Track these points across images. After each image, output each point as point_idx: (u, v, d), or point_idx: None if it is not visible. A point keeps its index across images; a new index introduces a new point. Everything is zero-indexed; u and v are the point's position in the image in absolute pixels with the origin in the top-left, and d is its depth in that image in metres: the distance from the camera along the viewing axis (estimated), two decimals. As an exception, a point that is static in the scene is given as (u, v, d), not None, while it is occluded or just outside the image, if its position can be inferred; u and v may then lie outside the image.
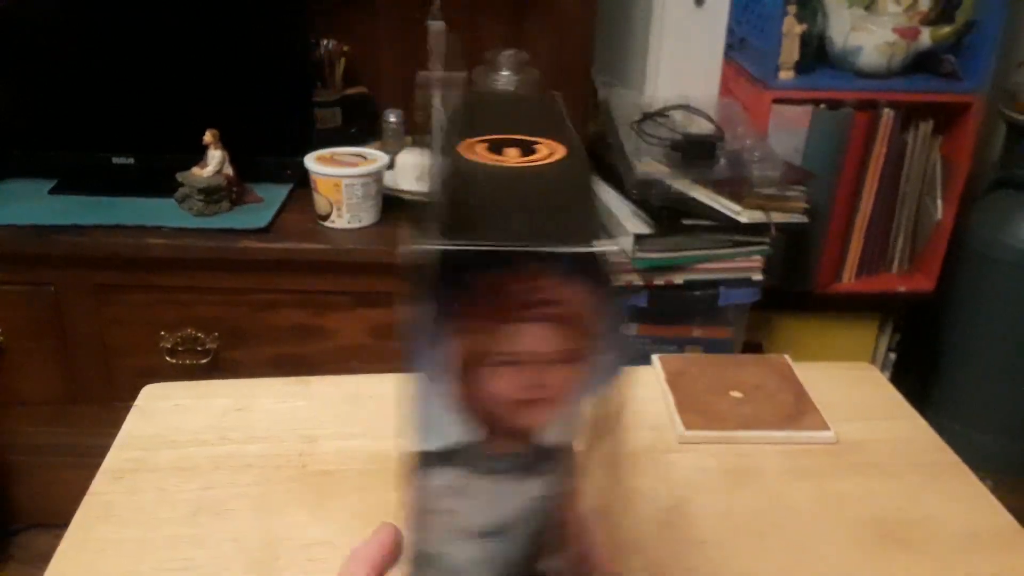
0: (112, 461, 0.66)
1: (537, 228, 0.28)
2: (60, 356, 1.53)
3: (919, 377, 1.95)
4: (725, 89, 1.77)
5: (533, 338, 0.28)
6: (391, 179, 1.52)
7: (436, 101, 1.41)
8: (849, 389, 0.79)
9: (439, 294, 0.27)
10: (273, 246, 1.44)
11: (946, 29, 1.66)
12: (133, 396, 0.74)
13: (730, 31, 1.73)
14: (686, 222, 1.48)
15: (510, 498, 0.31)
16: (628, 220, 1.49)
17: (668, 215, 1.47)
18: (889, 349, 1.92)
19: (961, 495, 0.66)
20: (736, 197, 1.48)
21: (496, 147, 0.34)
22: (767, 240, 1.51)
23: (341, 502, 0.63)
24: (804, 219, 1.54)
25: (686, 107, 1.61)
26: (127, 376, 1.52)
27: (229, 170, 1.50)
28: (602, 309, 0.28)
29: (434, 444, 0.30)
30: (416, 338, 0.28)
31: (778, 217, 1.50)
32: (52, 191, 1.56)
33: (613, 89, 1.80)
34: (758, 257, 1.52)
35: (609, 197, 1.57)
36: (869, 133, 1.69)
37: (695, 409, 0.73)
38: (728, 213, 1.47)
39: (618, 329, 0.28)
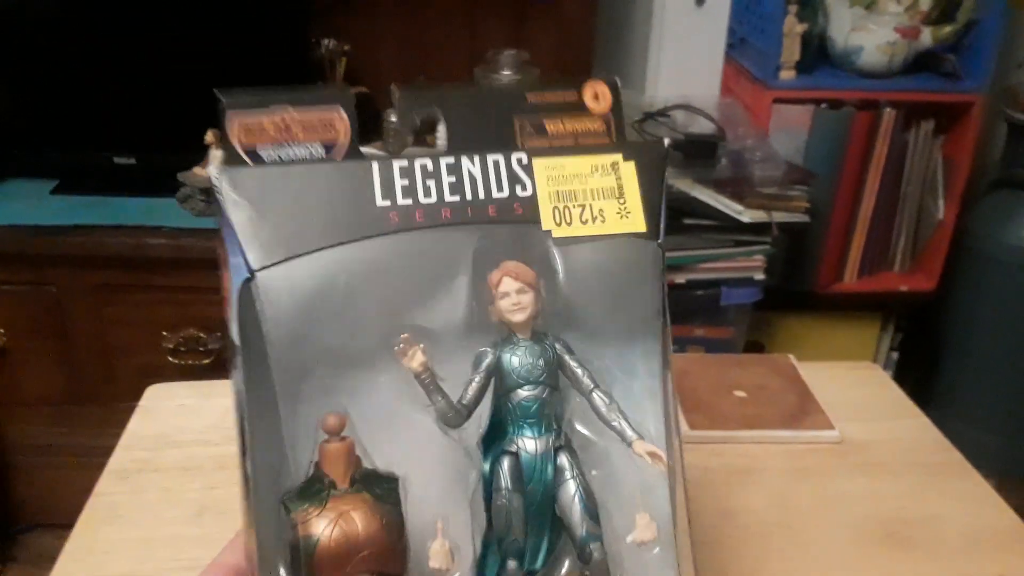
0: (117, 461, 0.66)
1: None
2: (62, 356, 1.53)
3: (921, 377, 1.95)
4: (726, 89, 1.77)
5: None
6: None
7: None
8: (853, 389, 0.79)
9: None
10: (275, 246, 1.43)
11: (947, 29, 1.66)
12: (135, 396, 0.74)
13: (731, 31, 1.73)
14: (688, 222, 1.48)
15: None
16: (630, 220, 1.49)
17: (670, 215, 1.47)
18: (891, 348, 1.92)
19: (966, 495, 0.66)
20: (737, 197, 1.48)
21: None
22: (768, 240, 1.51)
23: (346, 502, 0.63)
24: (805, 219, 1.54)
25: (687, 107, 1.61)
26: (129, 376, 1.52)
27: (230, 170, 1.50)
28: None
29: None
30: None
31: (779, 217, 1.50)
32: (53, 191, 1.56)
33: (614, 89, 1.79)
34: (760, 257, 1.52)
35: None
36: (870, 133, 1.68)
37: (699, 409, 0.73)
38: (730, 213, 1.47)
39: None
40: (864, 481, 0.67)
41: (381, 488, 0.33)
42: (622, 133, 0.39)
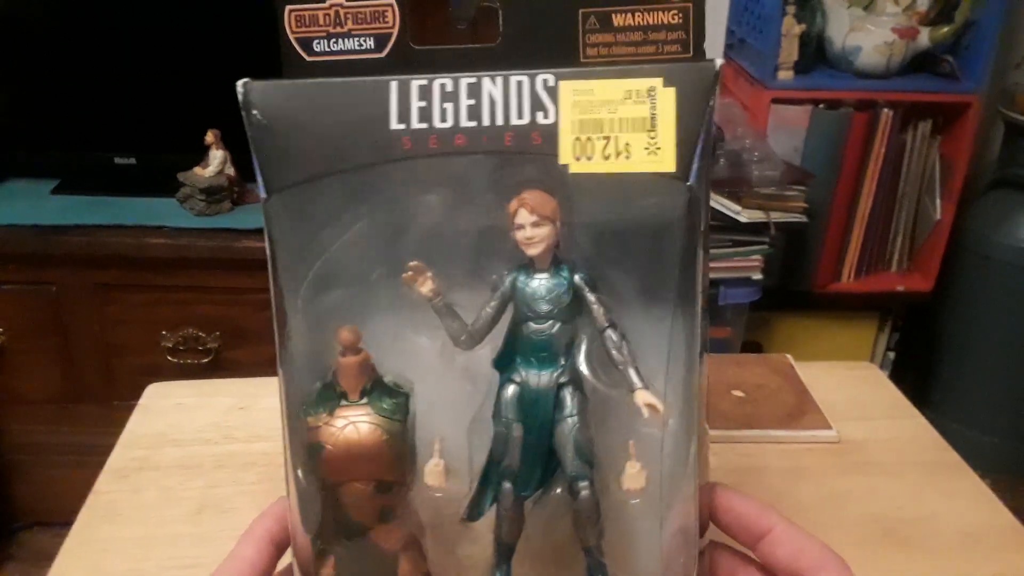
0: (116, 460, 0.66)
1: None
2: (61, 355, 1.53)
3: (917, 377, 1.95)
4: (724, 89, 1.77)
5: None
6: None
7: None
8: (851, 388, 0.79)
9: None
10: (274, 246, 1.44)
11: (945, 29, 1.66)
12: (134, 395, 0.74)
13: (729, 31, 1.74)
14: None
15: None
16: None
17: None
18: (888, 348, 1.92)
19: (962, 494, 0.66)
20: (736, 197, 1.48)
21: None
22: (766, 240, 1.51)
23: (345, 501, 0.63)
24: (803, 219, 1.54)
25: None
26: (128, 375, 1.52)
27: (231, 170, 1.51)
28: None
29: None
30: None
31: (777, 217, 1.50)
32: (54, 191, 1.57)
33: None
34: (757, 257, 1.52)
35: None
36: (868, 133, 1.69)
37: (697, 408, 0.73)
38: (728, 213, 1.47)
39: None
40: (861, 480, 0.67)
41: (388, 403, 0.35)
42: (700, 26, 0.35)
